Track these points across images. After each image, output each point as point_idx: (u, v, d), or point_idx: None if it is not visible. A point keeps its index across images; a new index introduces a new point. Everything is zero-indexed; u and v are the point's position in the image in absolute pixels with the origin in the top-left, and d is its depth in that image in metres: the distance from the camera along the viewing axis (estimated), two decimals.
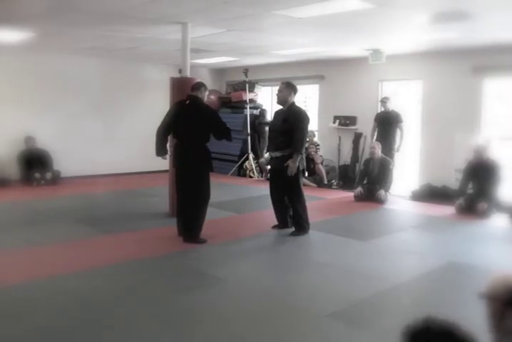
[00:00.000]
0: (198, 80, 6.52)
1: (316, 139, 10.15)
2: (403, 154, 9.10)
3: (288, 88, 5.67)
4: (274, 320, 3.33)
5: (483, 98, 8.08)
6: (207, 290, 3.89)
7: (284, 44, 8.07)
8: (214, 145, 11.17)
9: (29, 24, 6.59)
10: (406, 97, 9.60)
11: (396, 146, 8.73)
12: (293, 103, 5.72)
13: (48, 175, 9.17)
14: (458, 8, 5.28)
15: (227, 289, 3.94)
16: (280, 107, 5.85)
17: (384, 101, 8.89)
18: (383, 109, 8.94)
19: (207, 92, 5.50)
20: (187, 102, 5.37)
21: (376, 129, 9.03)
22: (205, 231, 5.35)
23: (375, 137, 9.09)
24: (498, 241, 5.72)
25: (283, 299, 3.72)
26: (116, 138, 10.74)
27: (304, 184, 9.61)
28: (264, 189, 7.63)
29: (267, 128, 10.94)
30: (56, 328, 3.13)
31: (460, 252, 5.08)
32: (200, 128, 5.23)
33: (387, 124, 8.80)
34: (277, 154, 5.67)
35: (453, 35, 6.83)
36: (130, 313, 3.38)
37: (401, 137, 8.79)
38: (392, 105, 8.90)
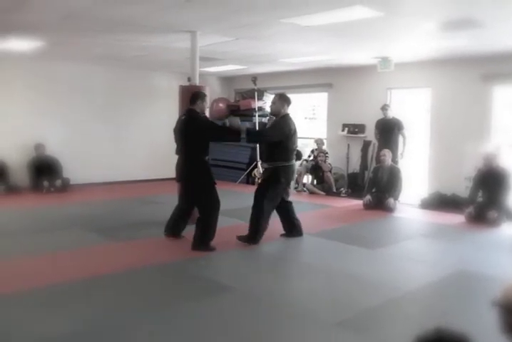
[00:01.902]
0: (205, 87, 6.57)
1: (325, 147, 10.14)
2: (411, 161, 9.11)
3: (281, 100, 5.61)
4: (282, 329, 3.30)
5: (492, 106, 8.05)
6: (215, 297, 3.87)
7: (292, 52, 8.09)
8: (223, 153, 11.31)
9: (40, 33, 6.66)
10: (415, 105, 9.58)
11: (399, 152, 8.75)
12: (285, 115, 5.60)
13: (58, 182, 9.22)
14: (467, 16, 5.28)
15: (234, 297, 3.92)
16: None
17: (384, 108, 8.92)
18: (383, 116, 8.97)
19: (205, 102, 5.41)
20: (183, 117, 5.44)
21: (378, 136, 9.08)
22: (214, 238, 5.34)
23: (376, 144, 9.17)
24: (509, 249, 5.66)
25: (291, 307, 3.69)
26: (125, 146, 10.81)
27: (313, 192, 9.68)
28: None
29: None
30: (63, 334, 3.13)
31: (470, 261, 5.03)
32: (192, 143, 5.25)
33: (388, 131, 8.84)
34: (265, 165, 5.69)
35: (463, 43, 6.82)
36: (138, 320, 3.37)
37: (404, 144, 8.82)
38: (393, 113, 8.93)
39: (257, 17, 5.52)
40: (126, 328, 3.27)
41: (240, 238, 5.52)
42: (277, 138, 5.39)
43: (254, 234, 5.50)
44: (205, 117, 5.42)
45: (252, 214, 5.52)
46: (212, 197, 5.33)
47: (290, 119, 5.59)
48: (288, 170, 5.55)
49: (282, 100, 5.63)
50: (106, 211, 7.54)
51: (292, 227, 5.89)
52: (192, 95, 5.45)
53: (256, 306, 3.72)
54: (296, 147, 5.69)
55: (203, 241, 5.26)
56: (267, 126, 5.61)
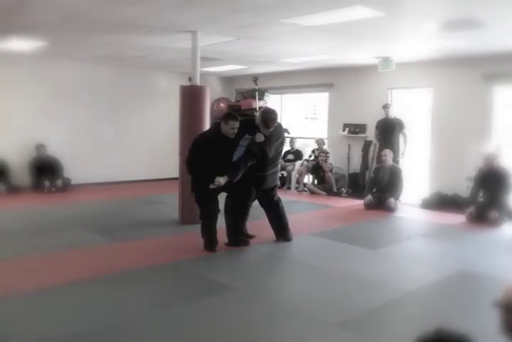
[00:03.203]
0: (206, 87, 6.60)
1: (325, 147, 10.13)
2: (413, 161, 9.11)
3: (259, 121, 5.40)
4: (282, 328, 3.30)
5: (493, 106, 8.03)
6: (215, 297, 3.87)
7: (293, 52, 8.09)
8: None
9: (41, 33, 6.67)
10: (416, 105, 9.57)
11: (401, 152, 8.76)
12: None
13: (59, 182, 9.23)
14: (468, 16, 5.28)
15: (235, 297, 3.92)
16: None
17: (386, 107, 8.93)
18: (384, 116, 8.98)
19: (228, 125, 5.19)
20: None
21: (379, 137, 9.09)
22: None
23: (377, 144, 9.17)
24: (510, 249, 5.66)
25: (292, 307, 3.70)
26: (126, 146, 10.81)
27: (314, 192, 9.68)
28: None
29: None
30: (63, 334, 3.13)
31: (471, 261, 5.03)
32: (197, 156, 5.33)
33: (390, 131, 8.86)
34: None
35: (464, 43, 6.82)
36: (138, 320, 3.37)
37: (405, 143, 8.83)
38: (394, 113, 8.93)
39: (258, 17, 5.52)
40: (126, 327, 3.27)
41: (227, 244, 5.48)
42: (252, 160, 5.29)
43: (233, 236, 5.51)
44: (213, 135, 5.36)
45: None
46: (199, 203, 5.36)
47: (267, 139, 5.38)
48: (258, 179, 5.45)
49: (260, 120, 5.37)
50: (107, 211, 7.55)
51: (284, 230, 5.77)
52: None
53: (256, 306, 3.72)
54: (275, 159, 5.53)
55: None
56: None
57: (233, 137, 5.26)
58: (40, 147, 9.37)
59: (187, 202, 6.44)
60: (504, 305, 1.69)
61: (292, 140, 10.78)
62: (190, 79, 6.70)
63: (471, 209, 7.02)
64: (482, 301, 3.66)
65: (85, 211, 7.45)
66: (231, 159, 5.29)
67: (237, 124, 5.22)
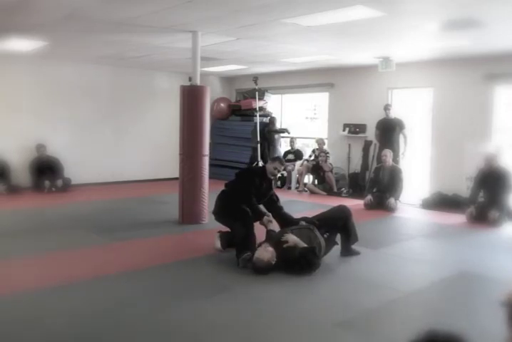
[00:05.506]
0: (206, 87, 6.61)
1: (326, 147, 10.13)
2: (413, 161, 9.12)
3: None
4: (282, 329, 3.30)
5: (494, 106, 8.04)
6: (215, 297, 3.86)
7: (293, 52, 8.09)
8: (225, 153, 11.33)
9: (41, 33, 6.67)
10: (416, 105, 9.58)
11: (401, 152, 8.78)
12: None
13: (59, 182, 9.23)
14: (469, 16, 5.28)
15: (235, 297, 3.92)
16: None
17: (387, 108, 8.96)
18: (385, 116, 8.99)
19: (272, 166, 5.27)
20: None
21: (379, 137, 9.10)
22: (211, 239, 5.35)
23: (377, 144, 9.19)
24: (510, 250, 5.66)
25: (291, 307, 3.69)
26: (126, 146, 10.82)
27: (314, 193, 9.68)
28: None
29: (276, 136, 11.02)
30: (63, 334, 3.13)
31: (471, 261, 5.03)
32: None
33: (390, 131, 8.88)
34: None
35: (464, 43, 6.82)
36: (137, 320, 3.37)
37: (406, 143, 8.85)
38: (395, 113, 8.95)
39: (258, 17, 5.52)
40: (126, 327, 3.27)
41: None
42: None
43: None
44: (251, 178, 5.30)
45: None
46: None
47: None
48: None
49: None
50: (107, 211, 7.54)
51: None
52: None
53: (256, 306, 3.72)
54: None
55: None
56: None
57: (272, 177, 5.40)
58: (40, 147, 9.37)
59: (187, 202, 6.46)
60: (510, 304, 1.69)
61: (292, 140, 10.80)
62: (190, 79, 6.71)
63: (471, 209, 7.02)
64: (482, 301, 3.67)
65: (85, 211, 7.45)
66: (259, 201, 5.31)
67: (281, 167, 5.39)
